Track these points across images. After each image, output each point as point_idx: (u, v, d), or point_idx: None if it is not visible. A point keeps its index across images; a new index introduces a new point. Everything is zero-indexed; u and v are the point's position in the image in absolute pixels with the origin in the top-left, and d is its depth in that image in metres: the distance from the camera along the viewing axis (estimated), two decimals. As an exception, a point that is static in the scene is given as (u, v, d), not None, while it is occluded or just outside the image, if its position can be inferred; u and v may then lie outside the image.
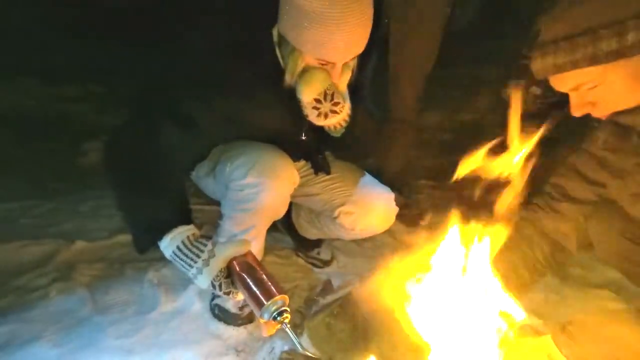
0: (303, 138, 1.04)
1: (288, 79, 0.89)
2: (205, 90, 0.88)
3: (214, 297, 1.07)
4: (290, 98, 0.92)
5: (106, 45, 2.63)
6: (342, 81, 0.92)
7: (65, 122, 2.21)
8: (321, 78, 0.87)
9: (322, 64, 0.85)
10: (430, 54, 1.52)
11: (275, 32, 0.88)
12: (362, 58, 0.93)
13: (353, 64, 0.92)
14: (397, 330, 0.76)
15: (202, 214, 1.53)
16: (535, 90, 1.52)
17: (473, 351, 0.76)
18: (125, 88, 2.02)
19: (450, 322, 0.79)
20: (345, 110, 0.93)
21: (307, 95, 0.88)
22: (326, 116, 0.91)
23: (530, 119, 1.35)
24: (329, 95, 0.88)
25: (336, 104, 0.90)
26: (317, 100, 0.89)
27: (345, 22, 0.78)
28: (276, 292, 0.72)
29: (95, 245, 1.31)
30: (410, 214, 1.62)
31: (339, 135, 0.99)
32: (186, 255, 0.77)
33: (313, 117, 0.92)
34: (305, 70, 0.87)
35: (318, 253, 1.36)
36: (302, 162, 1.13)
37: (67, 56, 2.61)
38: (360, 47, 0.85)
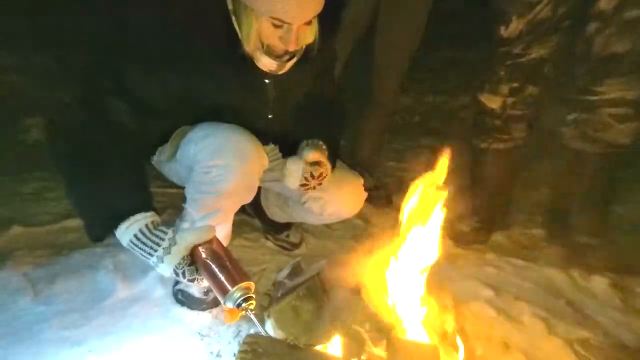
0: (270, 116, 1.00)
1: (246, 46, 0.84)
2: (157, 65, 0.82)
3: (177, 282, 1.03)
4: (251, 73, 0.88)
5: (50, 10, 2.33)
6: (304, 38, 0.87)
7: (2, 95, 1.96)
8: (295, 168, 0.98)
9: (278, 26, 0.81)
10: (416, 37, 1.51)
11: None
12: (325, 29, 0.90)
13: (314, 32, 0.88)
14: (362, 309, 0.77)
15: (166, 197, 1.46)
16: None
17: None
18: (73, 59, 1.81)
19: (413, 301, 0.81)
20: (328, 172, 1.02)
21: (293, 184, 1.01)
22: (315, 188, 1.03)
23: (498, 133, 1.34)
24: (309, 174, 0.98)
25: (320, 176, 1.00)
26: (304, 185, 1.00)
27: None
28: (241, 279, 0.71)
29: (38, 231, 1.19)
30: (380, 196, 1.65)
31: None
32: (145, 244, 0.73)
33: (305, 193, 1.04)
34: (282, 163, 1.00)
35: (287, 236, 1.35)
36: (271, 146, 1.09)
37: (5, 21, 2.28)
38: (315, 6, 0.82)
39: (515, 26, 1.17)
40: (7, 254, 1.08)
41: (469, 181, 1.42)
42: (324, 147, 1.04)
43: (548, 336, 0.97)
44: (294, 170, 0.99)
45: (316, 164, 0.99)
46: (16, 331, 0.86)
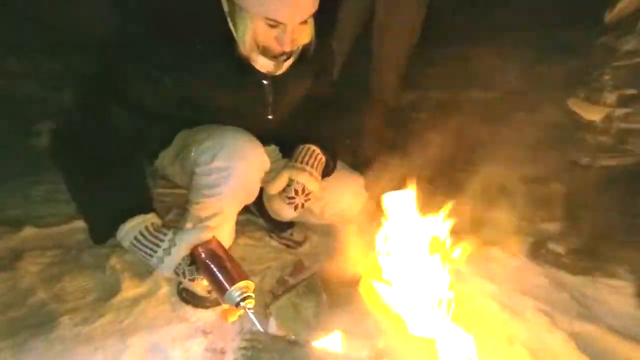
0: (270, 117, 1.01)
1: (242, 47, 0.84)
2: (153, 68, 0.83)
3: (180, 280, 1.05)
4: (249, 74, 0.88)
5: (54, 16, 2.38)
6: (300, 38, 0.87)
7: (14, 101, 2.02)
8: (280, 180, 0.95)
9: (273, 26, 0.81)
10: (414, 32, 1.50)
11: (224, 1, 0.83)
12: (322, 28, 0.90)
13: (310, 32, 0.88)
14: (360, 305, 0.78)
15: (171, 198, 1.49)
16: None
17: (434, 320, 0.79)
18: (77, 65, 1.86)
19: (412, 292, 0.82)
20: (316, 188, 0.98)
21: (272, 189, 0.96)
22: (303, 206, 0.97)
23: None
24: (299, 190, 0.95)
25: (308, 194, 0.96)
26: (291, 198, 0.95)
27: None
28: (239, 278, 0.72)
29: (47, 232, 1.23)
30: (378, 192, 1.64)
31: None
32: (145, 245, 0.75)
33: (290, 211, 0.97)
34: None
35: (291, 234, 1.35)
36: (272, 147, 1.10)
37: (13, 28, 2.35)
38: (309, 6, 0.82)
39: (623, 5, 0.88)
40: (20, 254, 1.12)
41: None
42: (318, 155, 1.00)
43: (551, 330, 0.96)
44: (279, 181, 0.96)
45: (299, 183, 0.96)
46: (30, 328, 0.90)
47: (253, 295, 0.73)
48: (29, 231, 1.22)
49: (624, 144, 0.99)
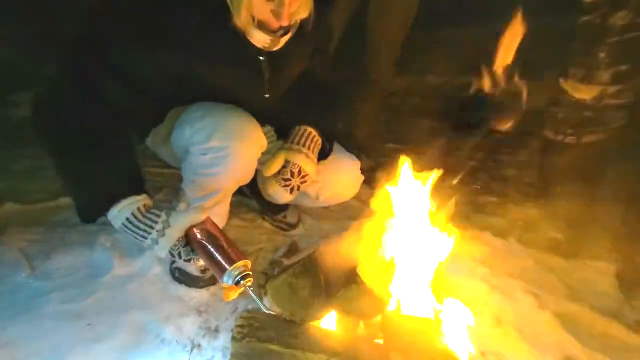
0: (266, 96, 0.97)
1: (237, 19, 0.80)
2: (143, 38, 0.78)
3: (174, 260, 1.03)
4: (245, 49, 0.84)
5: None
6: (298, 13, 0.83)
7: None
8: (276, 161, 0.94)
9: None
10: (410, 12, 1.47)
11: None
12: (320, 4, 0.86)
13: (308, 6, 0.83)
14: (357, 285, 0.78)
15: (162, 178, 1.45)
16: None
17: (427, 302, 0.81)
18: (60, 32, 1.73)
19: (407, 273, 0.83)
20: (313, 176, 0.97)
21: (268, 171, 0.95)
22: (298, 189, 0.96)
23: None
24: (295, 172, 0.94)
25: (304, 176, 0.95)
26: (286, 180, 0.94)
27: None
28: (238, 257, 0.72)
29: (32, 208, 1.20)
30: (378, 178, 1.65)
31: None
32: (137, 227, 0.73)
33: (286, 194, 0.96)
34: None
35: (284, 216, 1.35)
36: (268, 127, 1.07)
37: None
38: None
39: None
40: (1, 230, 1.08)
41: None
42: (315, 137, 0.98)
43: (538, 310, 1.00)
44: (275, 162, 0.95)
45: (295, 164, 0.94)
46: (15, 304, 0.88)
47: (251, 273, 0.73)
48: (10, 207, 1.18)
49: (604, 118, 1.03)
